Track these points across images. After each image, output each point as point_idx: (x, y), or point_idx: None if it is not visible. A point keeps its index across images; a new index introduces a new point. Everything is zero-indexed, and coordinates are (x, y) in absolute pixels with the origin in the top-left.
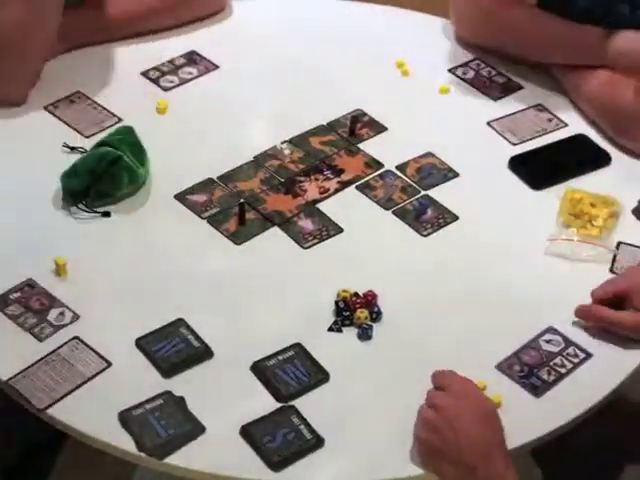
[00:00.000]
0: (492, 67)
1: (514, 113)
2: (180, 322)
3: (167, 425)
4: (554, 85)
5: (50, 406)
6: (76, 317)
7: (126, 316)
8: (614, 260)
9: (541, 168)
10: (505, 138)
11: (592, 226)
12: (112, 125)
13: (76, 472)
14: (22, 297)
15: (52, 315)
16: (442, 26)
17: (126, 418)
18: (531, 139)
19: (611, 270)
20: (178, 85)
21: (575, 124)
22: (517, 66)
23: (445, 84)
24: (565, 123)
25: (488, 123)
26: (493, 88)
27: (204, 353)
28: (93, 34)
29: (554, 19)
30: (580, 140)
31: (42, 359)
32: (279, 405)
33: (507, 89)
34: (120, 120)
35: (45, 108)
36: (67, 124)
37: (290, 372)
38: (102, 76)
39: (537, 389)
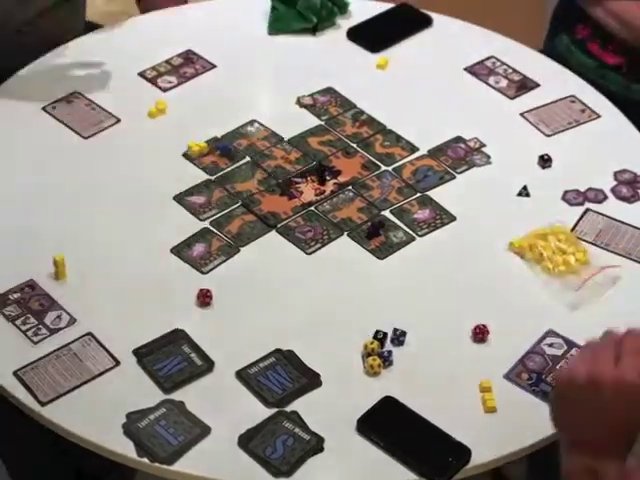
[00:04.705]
0: (507, 65)
1: (546, 104)
2: (181, 336)
3: (176, 432)
4: (572, 82)
5: (53, 400)
6: (72, 321)
7: (124, 321)
8: (576, 224)
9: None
10: (538, 129)
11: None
12: (110, 125)
13: None
14: (22, 298)
15: (49, 318)
16: (454, 25)
17: (134, 431)
18: (563, 130)
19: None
20: (176, 85)
21: (608, 115)
22: (533, 64)
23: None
24: (598, 114)
25: (521, 114)
26: (509, 86)
27: (207, 370)
28: None
29: None
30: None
31: (53, 352)
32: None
33: (523, 87)
34: (118, 120)
35: (43, 109)
36: (65, 124)
37: (273, 378)
38: (100, 76)
39: (548, 395)
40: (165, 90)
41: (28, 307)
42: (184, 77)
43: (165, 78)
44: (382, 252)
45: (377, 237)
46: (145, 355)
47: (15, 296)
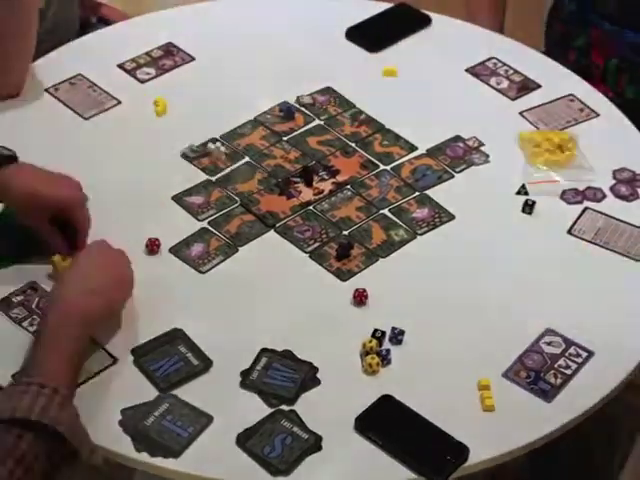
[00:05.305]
0: (509, 66)
1: (545, 103)
2: (178, 335)
3: (184, 424)
4: (572, 81)
5: None
6: None
7: (122, 321)
8: (574, 223)
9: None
10: (537, 128)
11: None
12: (111, 107)
13: None
14: (25, 300)
15: None
16: (456, 26)
17: (143, 431)
18: (562, 129)
19: (569, 232)
20: (154, 77)
21: (606, 114)
22: (534, 64)
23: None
24: (597, 113)
25: (520, 113)
26: (510, 87)
27: (203, 369)
28: None
29: None
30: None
31: None
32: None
33: (524, 87)
34: (119, 102)
35: (46, 90)
36: (68, 106)
37: (278, 376)
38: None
39: (547, 394)
40: (143, 82)
41: (32, 309)
42: (163, 69)
43: (144, 70)
44: (384, 250)
45: (346, 257)
46: (142, 355)
47: (19, 298)
